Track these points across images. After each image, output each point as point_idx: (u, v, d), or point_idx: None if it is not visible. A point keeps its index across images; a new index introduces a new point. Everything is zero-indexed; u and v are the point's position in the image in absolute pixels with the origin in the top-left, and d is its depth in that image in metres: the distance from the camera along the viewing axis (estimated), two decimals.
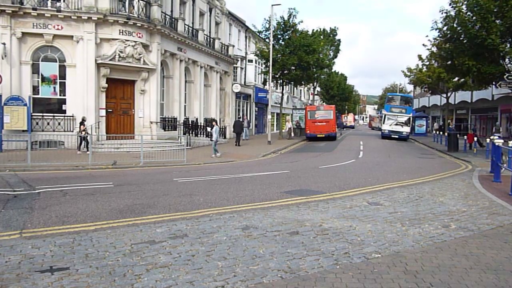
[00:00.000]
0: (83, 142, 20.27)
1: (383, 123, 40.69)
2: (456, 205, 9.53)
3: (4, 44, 20.91)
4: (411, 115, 41.06)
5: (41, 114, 21.81)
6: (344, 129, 75.52)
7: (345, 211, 8.71)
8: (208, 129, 28.86)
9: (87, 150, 19.11)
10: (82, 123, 20.65)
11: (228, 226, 7.29)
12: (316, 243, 6.40)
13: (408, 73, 46.31)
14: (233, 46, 38.89)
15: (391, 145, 32.56)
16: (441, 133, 37.85)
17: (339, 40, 59.38)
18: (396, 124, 39.03)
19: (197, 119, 30.59)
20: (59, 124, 22.03)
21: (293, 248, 6.10)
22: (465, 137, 29.04)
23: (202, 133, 29.71)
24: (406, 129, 39.10)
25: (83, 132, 20.25)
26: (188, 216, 8.02)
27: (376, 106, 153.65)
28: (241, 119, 35.41)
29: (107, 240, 6.37)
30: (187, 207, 8.92)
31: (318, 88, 69.92)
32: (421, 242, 6.57)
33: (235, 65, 39.64)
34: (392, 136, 38.77)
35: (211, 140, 22.36)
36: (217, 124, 22.69)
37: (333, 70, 67.60)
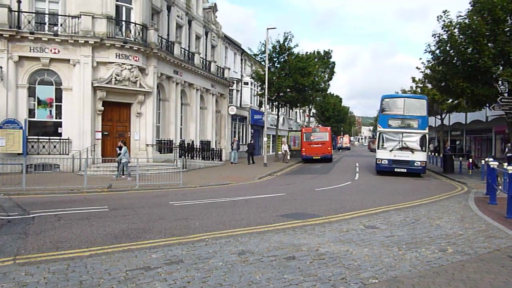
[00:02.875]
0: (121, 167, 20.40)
1: (379, 147, 25.59)
2: (453, 228, 9.51)
3: (0, 67, 21.01)
4: (426, 130, 25.03)
5: (36, 137, 21.78)
6: (340, 150, 75.64)
7: (342, 235, 8.68)
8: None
9: (123, 174, 19.96)
10: (120, 147, 20.65)
11: (224, 251, 7.24)
12: (312, 268, 6.35)
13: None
14: (229, 68, 39.20)
15: None
16: (436, 154, 37.96)
17: (333, 62, 60.12)
18: (402, 148, 24.66)
19: (193, 141, 30.60)
20: (54, 147, 21.98)
21: (289, 274, 6.05)
22: (461, 159, 29.08)
23: (198, 156, 29.70)
24: (419, 156, 24.45)
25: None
26: (184, 241, 7.96)
27: (371, 128, 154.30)
28: (252, 141, 37.92)
29: (102, 266, 6.30)
30: (183, 232, 8.85)
31: (313, 110, 70.29)
32: (418, 266, 6.53)
33: (231, 88, 39.86)
34: (396, 169, 24.70)
35: (118, 162, 19.89)
36: (125, 145, 20.54)
37: (328, 92, 68.15)
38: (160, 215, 10.91)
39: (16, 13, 21.56)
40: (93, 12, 22.45)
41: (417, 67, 36.91)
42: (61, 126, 22.49)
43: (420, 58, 50.17)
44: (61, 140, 22.14)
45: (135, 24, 23.95)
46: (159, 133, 26.90)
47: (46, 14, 22.76)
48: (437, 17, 25.03)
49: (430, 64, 30.03)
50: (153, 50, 24.63)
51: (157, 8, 27.53)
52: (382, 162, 25.25)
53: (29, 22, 21.64)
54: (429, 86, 40.55)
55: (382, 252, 7.30)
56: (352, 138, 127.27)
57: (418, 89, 44.40)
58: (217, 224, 9.71)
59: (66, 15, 22.31)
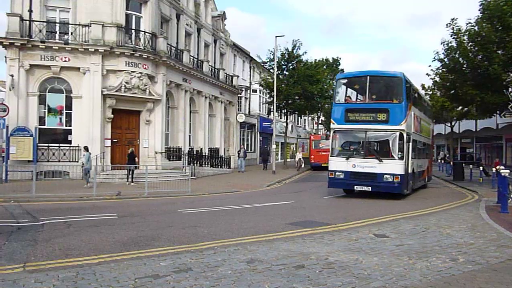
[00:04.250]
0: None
1: (332, 153, 17.50)
2: (464, 237, 9.40)
3: (12, 76, 21.26)
4: (403, 126, 16.30)
5: (46, 144, 21.94)
6: None
7: (351, 243, 8.61)
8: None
9: (132, 181, 20.22)
10: (132, 154, 20.98)
11: (233, 259, 7.21)
12: (322, 277, 6.30)
13: None
14: (238, 76, 39.30)
15: None
16: (442, 161, 37.68)
17: (342, 69, 60.06)
18: (364, 155, 16.75)
19: (201, 149, 30.65)
20: (64, 154, 22.13)
21: (298, 283, 6.00)
22: (471, 167, 28.74)
23: (206, 163, 29.73)
24: (392, 167, 16.26)
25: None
26: (193, 249, 7.95)
27: None
28: (267, 148, 39.07)
29: (111, 274, 6.30)
30: (192, 240, 8.84)
31: (322, 118, 70.15)
32: (429, 276, 6.46)
33: (239, 95, 39.95)
34: (357, 187, 16.90)
35: (82, 167, 19.51)
36: (88, 150, 19.75)
37: None
38: (169, 222, 10.91)
39: (28, 22, 21.84)
40: (103, 20, 22.67)
41: (427, 74, 36.72)
42: (71, 134, 22.65)
43: (429, 65, 49.77)
44: (71, 148, 22.29)
45: (145, 32, 24.14)
46: (167, 141, 26.98)
47: (57, 23, 23.04)
48: (446, 24, 24.99)
49: (439, 72, 29.90)
50: (162, 58, 24.78)
51: (166, 16, 27.73)
52: (336, 176, 16.98)
53: (40, 31, 21.89)
54: (438, 93, 40.31)
55: (392, 261, 7.23)
56: None
57: (428, 97, 44.17)
58: (226, 232, 9.69)
59: (76, 24, 22.54)
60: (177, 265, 6.81)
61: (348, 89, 18.57)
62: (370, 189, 16.53)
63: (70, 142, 22.51)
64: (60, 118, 22.84)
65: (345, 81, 18.50)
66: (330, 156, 17.51)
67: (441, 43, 25.51)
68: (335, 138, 17.49)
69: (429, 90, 43.38)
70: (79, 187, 18.30)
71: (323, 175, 30.70)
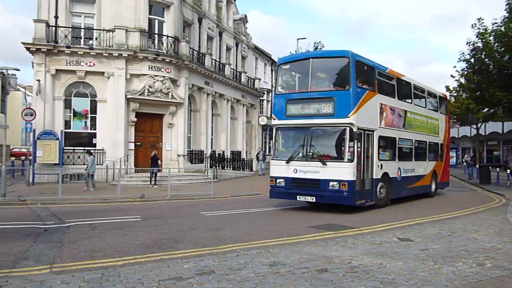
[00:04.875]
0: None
1: (274, 155, 14.69)
2: (491, 242, 9.19)
3: (39, 81, 21.76)
4: (352, 119, 12.86)
5: (72, 148, 22.36)
6: None
7: (375, 247, 8.51)
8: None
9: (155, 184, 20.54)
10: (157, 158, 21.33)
11: (255, 262, 7.20)
12: (345, 281, 6.24)
13: None
14: (259, 79, 39.40)
15: None
16: (464, 164, 36.87)
17: None
18: (306, 157, 13.55)
19: (223, 151, 30.79)
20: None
21: (322, 287, 5.95)
22: (498, 170, 28.12)
23: (228, 166, 29.83)
24: (338, 172, 12.90)
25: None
26: (215, 252, 7.98)
27: None
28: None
29: (135, 276, 6.36)
30: (214, 242, 8.87)
31: None
32: (455, 281, 6.33)
33: (261, 98, 40.03)
34: (300, 197, 13.61)
35: (86, 170, 19.31)
36: (92, 154, 20.05)
37: None
38: (191, 225, 10.98)
39: (54, 28, 22.34)
40: (127, 25, 23.01)
41: (451, 75, 36.00)
42: (95, 137, 23.05)
43: (454, 66, 48.91)
44: (96, 151, 22.65)
45: (167, 36, 24.41)
46: (190, 144, 27.18)
47: (82, 28, 23.52)
48: (472, 25, 24.53)
49: (465, 73, 29.32)
50: (185, 61, 25.02)
51: (189, 20, 28.00)
52: (277, 183, 14.11)
53: (65, 36, 22.36)
54: (464, 95, 39.51)
55: (417, 266, 7.11)
56: None
57: (452, 98, 43.37)
58: (248, 235, 9.69)
59: (100, 29, 22.94)
60: (200, 267, 6.84)
61: (291, 76, 15.77)
62: (314, 200, 13.38)
63: (94, 145, 22.89)
64: (85, 122, 23.26)
65: (287, 66, 15.35)
66: (271, 159, 14.67)
67: (467, 44, 25.06)
68: (277, 136, 14.58)
69: (453, 92, 42.60)
70: (104, 190, 18.57)
71: None
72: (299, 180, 13.53)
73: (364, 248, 8.43)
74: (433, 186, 19.31)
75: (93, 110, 23.19)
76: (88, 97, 23.20)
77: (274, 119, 14.67)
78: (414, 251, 8.22)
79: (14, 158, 29.79)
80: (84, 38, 23.42)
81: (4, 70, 18.10)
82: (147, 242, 8.86)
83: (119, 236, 9.38)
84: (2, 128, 17.31)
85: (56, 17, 22.52)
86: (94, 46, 22.63)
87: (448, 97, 43.63)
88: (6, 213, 12.93)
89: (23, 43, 21.87)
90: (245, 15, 37.74)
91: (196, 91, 27.83)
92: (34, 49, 21.77)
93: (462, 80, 34.59)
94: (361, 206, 13.57)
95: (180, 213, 13.28)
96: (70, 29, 22.83)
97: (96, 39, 23.00)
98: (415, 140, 17.44)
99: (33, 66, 22.36)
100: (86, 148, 22.48)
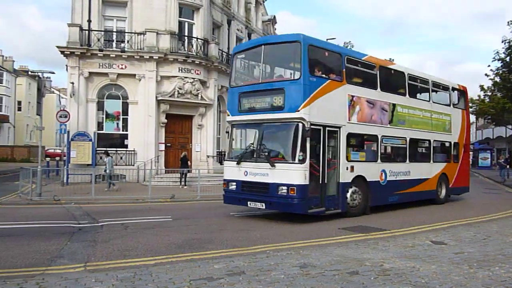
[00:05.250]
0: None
1: (228, 155, 13.54)
2: None
3: (72, 83, 22.31)
4: (304, 112, 11.12)
5: (104, 148, 22.78)
6: None
7: (407, 250, 8.35)
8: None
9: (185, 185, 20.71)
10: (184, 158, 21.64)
11: (286, 263, 7.18)
12: (377, 284, 6.14)
13: (470, 104, 44.53)
14: None
15: None
16: (497, 165, 35.81)
17: None
18: (256, 157, 12.05)
19: None
20: (121, 158, 22.91)
21: None
22: None
23: None
24: (288, 175, 11.13)
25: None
26: (245, 252, 8.00)
27: None
28: None
29: (166, 275, 6.44)
30: (244, 243, 8.90)
31: None
32: (491, 286, 6.14)
33: None
34: (250, 203, 11.99)
35: (105, 172, 19.67)
36: (109, 155, 20.09)
37: None
38: (221, 225, 11.04)
39: (87, 31, 22.87)
40: (157, 28, 23.34)
41: (486, 74, 35.06)
42: (127, 138, 23.47)
43: (489, 65, 47.56)
44: (127, 152, 23.06)
45: (197, 38, 24.64)
46: (219, 145, 27.34)
47: (114, 31, 24.01)
48: (508, 22, 23.90)
49: (500, 72, 28.53)
50: (214, 63, 25.21)
51: (218, 22, 28.18)
52: (230, 187, 12.80)
53: (98, 40, 22.85)
54: (499, 94, 38.43)
55: (452, 270, 6.94)
56: None
57: (487, 98, 42.22)
58: (278, 236, 9.68)
59: (132, 32, 23.35)
60: (230, 268, 6.87)
61: (245, 66, 14.22)
62: (264, 207, 11.73)
63: (126, 146, 23.30)
64: (117, 123, 23.72)
65: (242, 55, 13.74)
66: (225, 159, 13.64)
67: (502, 41, 24.41)
68: (232, 134, 13.27)
69: (488, 91, 41.49)
70: (135, 190, 18.87)
71: None
72: (249, 184, 11.97)
73: (396, 250, 8.28)
74: (443, 192, 16.79)
75: (125, 111, 23.61)
76: (120, 99, 23.64)
77: (228, 115, 13.31)
78: (448, 254, 8.03)
79: (49, 158, 30.55)
80: (116, 41, 23.88)
81: (40, 74, 18.53)
82: (178, 242, 8.96)
83: (150, 236, 9.52)
84: (38, 130, 17.81)
85: (89, 21, 23.04)
86: (125, 49, 23.05)
87: (482, 97, 42.50)
88: (42, 212, 13.30)
89: (57, 46, 22.49)
90: (274, 16, 37.73)
91: (225, 93, 27.89)
92: (68, 52, 22.35)
93: (497, 79, 33.67)
94: (320, 215, 11.66)
95: (210, 214, 13.38)
96: (102, 33, 23.32)
97: (127, 42, 23.44)
98: (411, 139, 15.03)
99: (67, 69, 22.98)
100: (118, 149, 22.95)
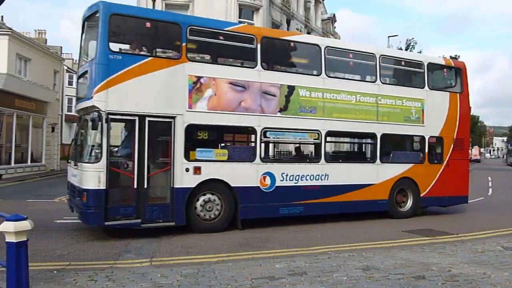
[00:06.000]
0: None
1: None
2: None
3: None
4: (95, 99, 8.86)
5: None
6: (470, 163, 70.10)
7: (477, 256, 7.96)
8: None
9: None
10: None
11: (348, 265, 7.06)
12: None
13: None
14: None
15: None
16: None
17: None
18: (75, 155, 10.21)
19: None
20: None
21: None
22: None
23: None
24: (84, 177, 8.77)
25: None
26: (306, 253, 7.95)
27: (505, 139, 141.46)
28: None
29: (229, 273, 6.52)
30: (304, 243, 8.86)
31: None
32: None
33: None
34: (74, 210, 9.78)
35: None
36: None
37: None
38: (281, 225, 11.02)
39: None
40: None
41: None
42: None
43: None
44: None
45: None
46: None
47: None
48: None
49: None
50: None
51: (277, 22, 28.23)
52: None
53: None
54: None
55: None
56: (482, 149, 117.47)
57: None
58: (339, 237, 9.56)
59: None
60: (291, 268, 6.85)
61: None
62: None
63: None
64: None
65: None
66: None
67: None
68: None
69: None
70: None
71: None
72: (72, 187, 10.12)
73: (464, 256, 7.92)
74: (408, 202, 12.78)
75: None
76: None
77: None
78: None
79: None
80: None
81: None
82: (239, 240, 9.06)
83: (211, 234, 9.66)
84: None
85: None
86: None
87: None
88: None
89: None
90: (334, 15, 37.27)
91: None
92: None
93: None
94: (132, 228, 9.14)
95: None
96: None
97: None
98: (329, 132, 11.41)
99: None
100: None
